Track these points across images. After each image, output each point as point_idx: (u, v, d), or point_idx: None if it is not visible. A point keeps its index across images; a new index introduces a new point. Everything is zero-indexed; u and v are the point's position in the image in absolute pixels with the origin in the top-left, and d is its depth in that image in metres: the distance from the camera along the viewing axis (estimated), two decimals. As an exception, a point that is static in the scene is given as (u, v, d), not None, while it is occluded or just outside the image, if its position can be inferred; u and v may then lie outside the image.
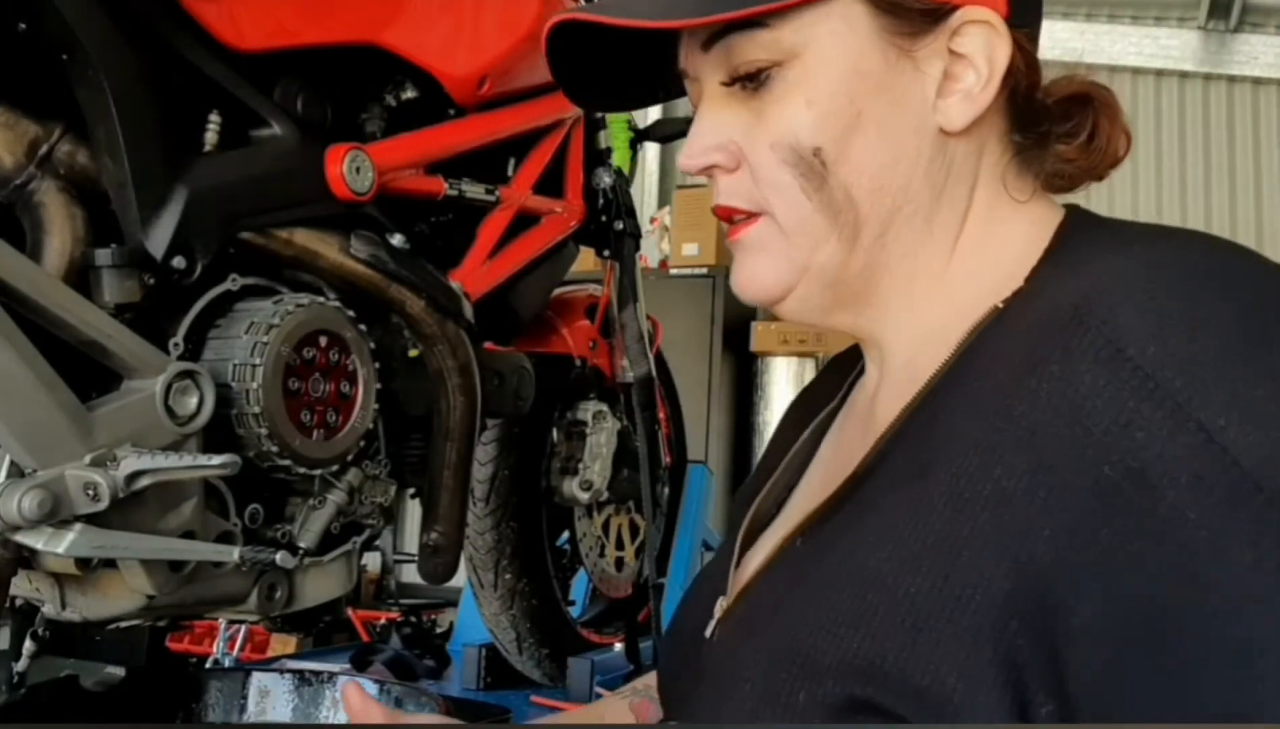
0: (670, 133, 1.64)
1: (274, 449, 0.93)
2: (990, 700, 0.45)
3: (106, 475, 0.79)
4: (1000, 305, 0.56)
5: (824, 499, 0.59)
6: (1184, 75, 4.64)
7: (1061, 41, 4.65)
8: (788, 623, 0.54)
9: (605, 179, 1.49)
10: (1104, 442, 0.44)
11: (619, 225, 1.50)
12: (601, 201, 1.49)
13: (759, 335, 3.87)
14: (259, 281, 0.98)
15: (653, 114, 4.04)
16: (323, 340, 0.98)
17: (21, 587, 0.92)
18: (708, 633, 0.63)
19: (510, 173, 1.34)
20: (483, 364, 1.21)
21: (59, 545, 0.77)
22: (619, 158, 1.61)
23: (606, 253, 1.52)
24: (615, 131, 1.60)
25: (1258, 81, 4.57)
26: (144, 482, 0.81)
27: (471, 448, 1.21)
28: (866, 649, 0.48)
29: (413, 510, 1.24)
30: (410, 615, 2.22)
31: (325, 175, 1.02)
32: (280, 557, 0.92)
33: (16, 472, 0.76)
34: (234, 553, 0.90)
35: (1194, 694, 0.41)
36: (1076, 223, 0.60)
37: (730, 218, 0.64)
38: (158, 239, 0.87)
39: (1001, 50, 0.58)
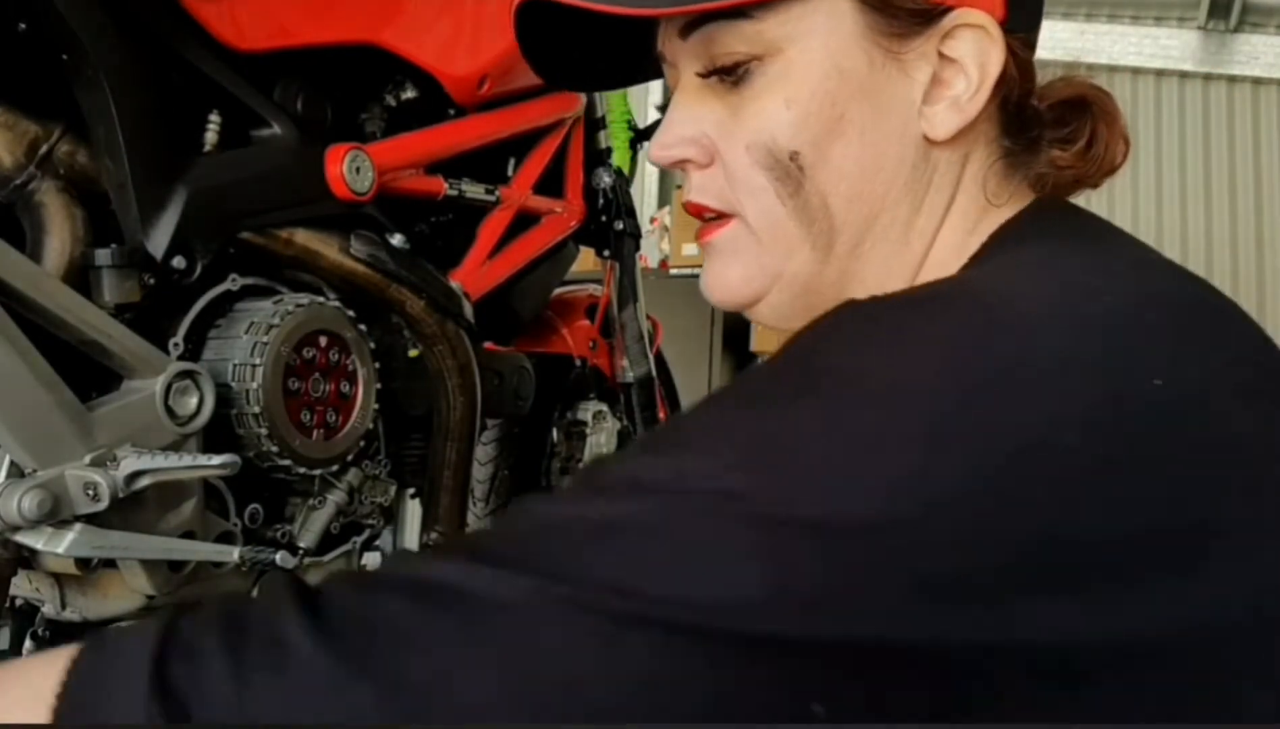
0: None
1: (274, 449, 0.93)
2: None
3: (106, 475, 0.79)
4: None
5: None
6: (1184, 75, 4.63)
7: (1062, 41, 4.65)
8: None
9: (605, 179, 1.50)
10: None
11: (619, 225, 1.50)
12: (601, 201, 1.49)
13: (759, 335, 3.87)
14: (259, 281, 0.98)
15: (653, 114, 4.05)
16: (323, 340, 0.98)
17: (21, 587, 0.92)
18: None
19: (510, 173, 1.34)
20: (483, 364, 1.21)
21: (59, 545, 0.77)
22: (619, 158, 1.61)
23: (606, 253, 1.52)
24: (615, 131, 1.60)
25: (1258, 81, 4.57)
26: (144, 482, 0.81)
27: (471, 448, 1.21)
28: None
29: (413, 510, 1.24)
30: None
31: (325, 175, 1.02)
32: (280, 557, 0.92)
33: (16, 471, 0.76)
34: (234, 553, 0.90)
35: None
36: (1007, 230, 0.57)
37: (701, 215, 0.61)
38: (158, 239, 0.87)
39: (994, 57, 0.55)
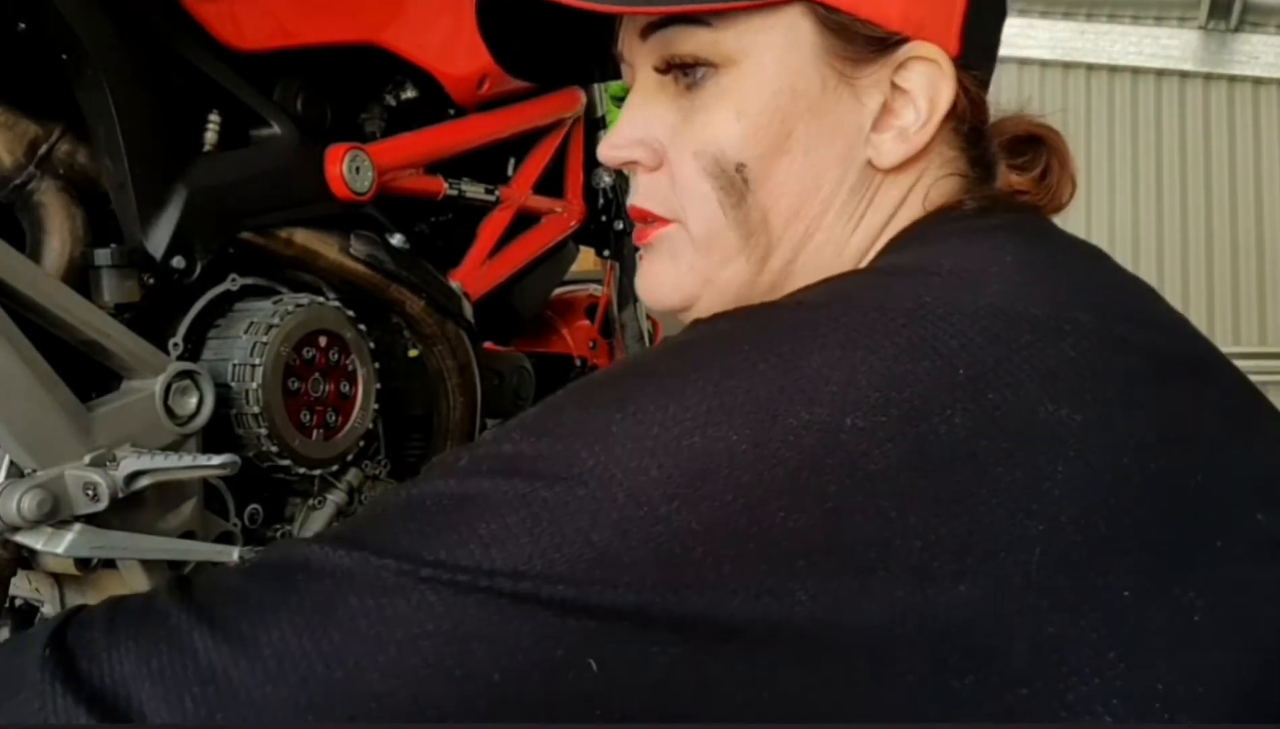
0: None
1: (274, 449, 0.93)
2: None
3: (106, 475, 0.78)
4: None
5: None
6: (1184, 75, 4.63)
7: (1061, 41, 4.65)
8: None
9: (605, 179, 1.50)
10: None
11: (619, 225, 1.50)
12: (601, 201, 1.49)
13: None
14: (259, 281, 0.99)
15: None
16: (322, 340, 0.98)
17: (21, 587, 0.92)
18: None
19: (510, 173, 1.34)
20: (483, 364, 1.22)
21: (58, 546, 0.77)
22: (619, 158, 1.60)
23: (606, 253, 1.52)
24: (615, 131, 1.60)
25: (1258, 81, 4.57)
26: (143, 482, 0.81)
27: (471, 448, 1.21)
28: None
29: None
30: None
31: (325, 175, 1.02)
32: (280, 557, 0.92)
33: (16, 472, 0.76)
34: (234, 553, 0.90)
35: None
36: (900, 239, 0.58)
37: (644, 219, 0.62)
38: (157, 239, 0.87)
39: (945, 92, 0.56)
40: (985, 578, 0.41)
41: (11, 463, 0.76)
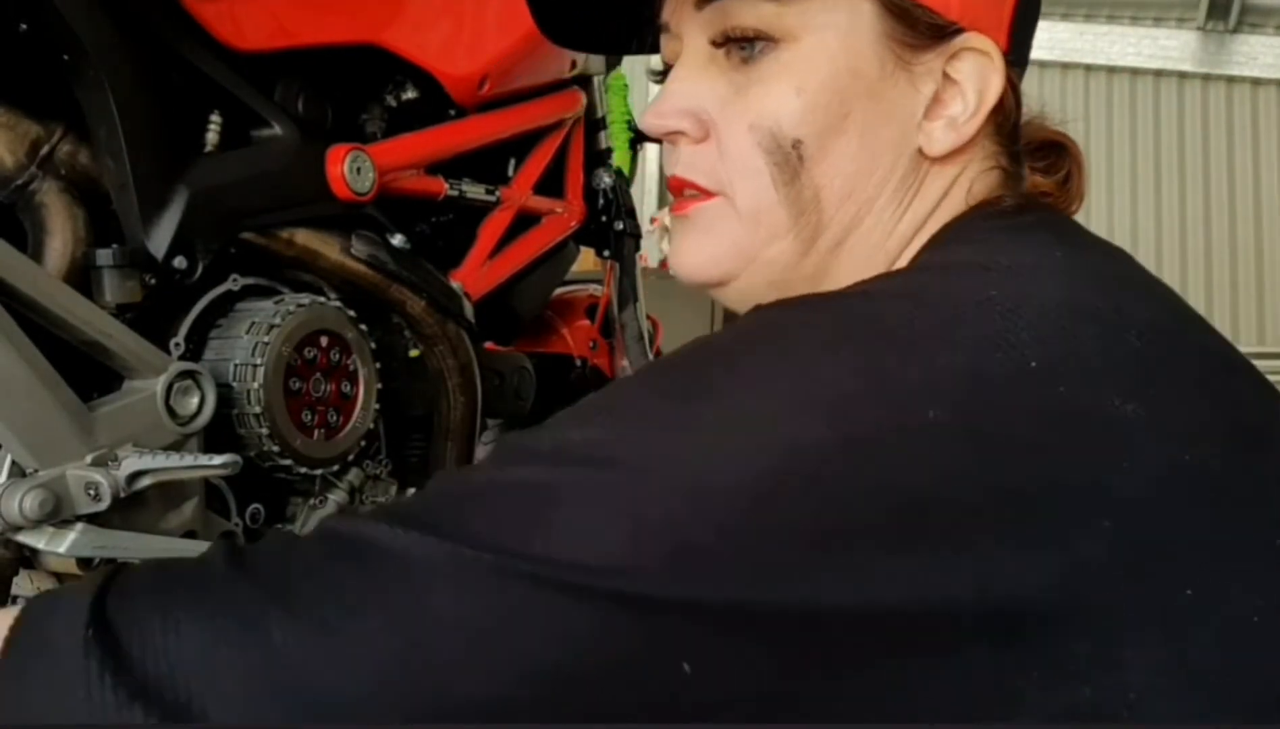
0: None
1: (275, 449, 0.93)
2: None
3: (108, 475, 0.79)
4: None
5: None
6: (1183, 76, 4.64)
7: (1061, 41, 4.66)
8: None
9: (605, 179, 1.50)
10: None
11: (619, 225, 1.50)
12: (601, 202, 1.50)
13: (758, 336, 3.87)
14: (260, 282, 0.99)
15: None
16: (324, 340, 0.98)
17: (22, 587, 0.92)
18: None
19: (510, 173, 1.34)
20: (483, 364, 1.22)
21: (60, 545, 0.77)
22: (619, 158, 1.61)
23: (606, 253, 1.52)
24: (615, 132, 1.60)
25: (1257, 82, 4.58)
26: (145, 481, 0.81)
27: (472, 448, 1.22)
28: None
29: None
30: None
31: (326, 176, 1.02)
32: (281, 556, 0.92)
33: (18, 471, 0.76)
34: (235, 553, 0.90)
35: None
36: (945, 234, 0.58)
37: (682, 191, 0.61)
38: (159, 239, 0.87)
39: (994, 85, 0.56)
40: (1053, 572, 0.41)
41: (13, 463, 0.76)
